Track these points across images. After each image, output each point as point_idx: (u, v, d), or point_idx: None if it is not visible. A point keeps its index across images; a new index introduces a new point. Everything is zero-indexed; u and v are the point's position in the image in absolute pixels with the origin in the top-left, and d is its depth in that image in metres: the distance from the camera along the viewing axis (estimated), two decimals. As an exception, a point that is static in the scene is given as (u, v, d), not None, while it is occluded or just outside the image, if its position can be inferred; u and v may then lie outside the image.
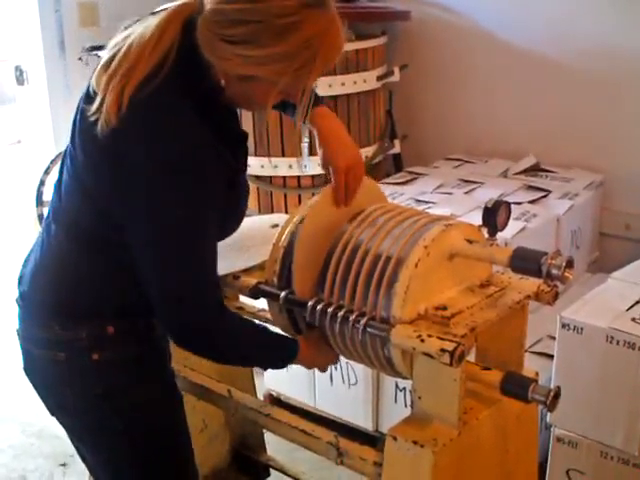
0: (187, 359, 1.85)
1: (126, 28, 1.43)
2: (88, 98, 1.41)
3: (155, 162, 1.34)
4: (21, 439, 2.99)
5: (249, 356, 1.58)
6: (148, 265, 1.40)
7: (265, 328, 1.59)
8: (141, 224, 1.38)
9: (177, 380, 1.73)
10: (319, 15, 1.36)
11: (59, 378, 1.53)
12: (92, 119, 1.36)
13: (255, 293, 1.63)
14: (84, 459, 1.66)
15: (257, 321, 2.07)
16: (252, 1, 1.31)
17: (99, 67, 1.40)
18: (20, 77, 4.21)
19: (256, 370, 2.39)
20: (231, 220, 1.57)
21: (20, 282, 1.57)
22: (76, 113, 1.46)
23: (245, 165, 1.57)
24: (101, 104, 1.35)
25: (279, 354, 1.58)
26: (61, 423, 1.61)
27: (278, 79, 1.36)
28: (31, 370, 1.57)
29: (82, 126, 1.42)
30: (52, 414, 1.60)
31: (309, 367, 1.66)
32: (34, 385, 1.58)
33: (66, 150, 1.50)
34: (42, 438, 2.94)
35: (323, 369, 1.70)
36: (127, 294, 1.50)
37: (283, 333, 1.66)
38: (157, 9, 1.46)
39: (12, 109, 6.30)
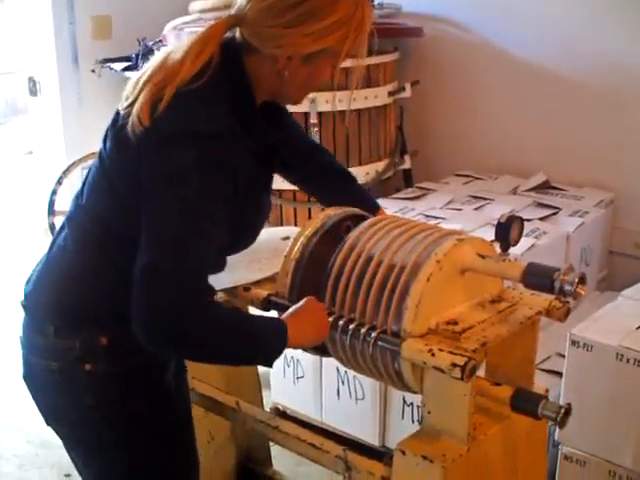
0: (195, 371, 1.85)
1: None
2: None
3: (184, 135, 1.36)
4: (26, 449, 2.98)
5: (232, 347, 1.42)
6: (150, 227, 1.36)
7: (250, 316, 1.50)
8: (157, 192, 1.36)
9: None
10: None
11: (53, 388, 1.53)
12: (122, 122, 1.42)
13: (266, 305, 1.63)
14: (78, 469, 1.65)
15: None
16: None
17: (139, 74, 1.46)
18: (33, 88, 4.25)
19: (263, 383, 2.39)
20: (247, 233, 1.58)
21: (27, 283, 1.58)
22: (110, 123, 1.50)
23: (269, 182, 1.61)
24: (131, 106, 1.40)
25: (267, 342, 1.45)
26: (56, 432, 1.61)
27: (343, 45, 1.45)
28: (29, 379, 1.58)
29: (115, 133, 1.46)
30: (47, 424, 1.60)
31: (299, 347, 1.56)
32: (32, 394, 1.59)
33: (93, 163, 1.54)
34: (47, 448, 2.93)
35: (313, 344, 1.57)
36: (126, 302, 1.41)
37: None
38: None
39: (24, 120, 6.35)
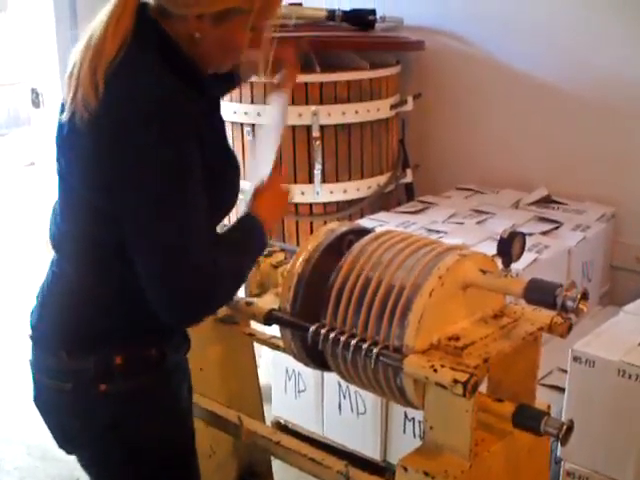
0: (197, 385, 1.85)
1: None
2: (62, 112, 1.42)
3: (133, 118, 1.32)
4: (27, 461, 2.97)
5: (240, 270, 1.51)
6: (135, 234, 1.37)
7: (227, 235, 1.54)
8: (127, 189, 1.34)
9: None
10: None
11: (66, 408, 1.51)
12: (67, 117, 1.38)
13: (268, 320, 1.63)
14: None
15: (268, 348, 2.08)
16: None
17: (66, 75, 1.41)
18: (36, 100, 4.25)
19: (264, 397, 2.38)
20: (228, 191, 1.56)
21: (31, 315, 1.56)
22: (56, 135, 1.46)
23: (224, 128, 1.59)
24: (74, 96, 1.36)
25: (254, 243, 1.55)
26: (69, 453, 1.59)
27: (251, 5, 1.38)
28: (41, 401, 1.56)
29: (62, 133, 1.43)
30: (61, 447, 1.58)
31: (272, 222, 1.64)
32: (43, 416, 1.56)
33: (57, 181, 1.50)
34: (48, 460, 2.93)
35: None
36: (135, 316, 1.46)
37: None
38: None
39: (26, 131, 6.36)
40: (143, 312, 1.41)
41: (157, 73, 1.37)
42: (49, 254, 1.59)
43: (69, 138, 1.41)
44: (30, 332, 1.55)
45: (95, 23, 1.41)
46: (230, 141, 1.70)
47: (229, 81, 1.73)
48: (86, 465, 1.59)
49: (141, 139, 1.32)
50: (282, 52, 1.74)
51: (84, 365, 1.45)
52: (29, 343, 1.55)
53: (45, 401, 1.55)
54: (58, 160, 1.46)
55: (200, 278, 1.36)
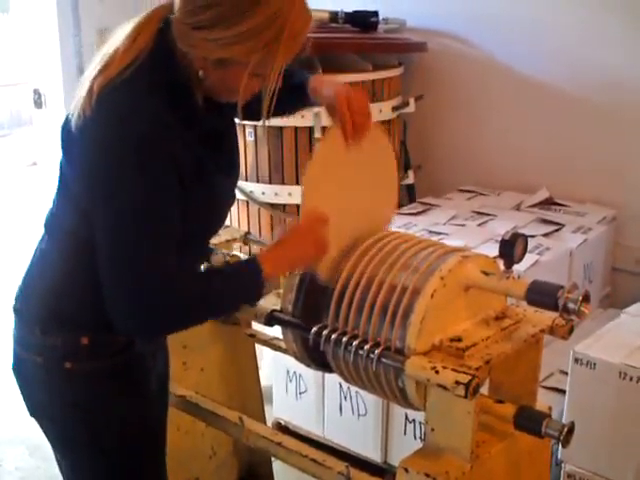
0: (198, 385, 1.85)
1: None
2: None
3: (116, 143, 1.36)
4: (28, 462, 2.97)
5: (220, 303, 1.50)
6: (104, 252, 1.40)
7: (221, 270, 1.59)
8: (99, 207, 1.39)
9: (189, 406, 1.72)
10: None
11: (37, 381, 1.57)
12: (67, 119, 1.43)
13: (270, 321, 1.63)
14: (58, 464, 1.68)
15: (270, 349, 2.09)
16: None
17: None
18: (38, 100, 4.25)
19: (265, 398, 2.38)
20: (212, 217, 1.58)
21: (18, 289, 1.63)
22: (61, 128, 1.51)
23: (221, 164, 1.55)
24: (76, 97, 1.41)
25: (241, 289, 1.51)
26: (39, 425, 1.65)
27: (248, 58, 1.40)
28: (17, 371, 1.62)
29: (63, 135, 1.48)
30: (31, 415, 1.64)
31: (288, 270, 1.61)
32: (18, 385, 1.62)
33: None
34: (49, 461, 2.88)
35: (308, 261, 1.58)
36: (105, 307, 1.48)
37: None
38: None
39: (29, 132, 6.37)
40: None
41: (151, 104, 1.40)
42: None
43: (68, 135, 1.46)
44: (14, 303, 1.61)
45: (119, 33, 1.45)
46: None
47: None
48: (52, 440, 1.64)
49: (120, 165, 1.36)
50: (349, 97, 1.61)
51: (54, 342, 1.52)
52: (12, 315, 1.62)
53: (20, 372, 1.60)
54: (61, 149, 1.51)
55: (156, 296, 1.39)
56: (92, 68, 1.43)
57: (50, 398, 1.57)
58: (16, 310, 1.60)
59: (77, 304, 1.53)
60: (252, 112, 1.51)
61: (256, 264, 1.47)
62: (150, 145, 1.37)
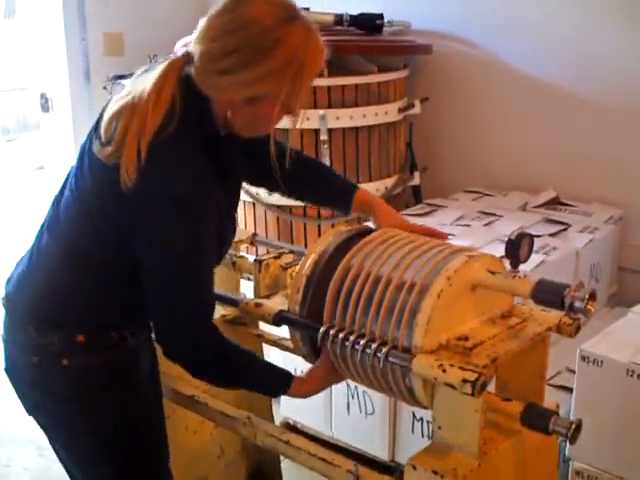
0: (207, 385, 1.86)
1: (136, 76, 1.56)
2: (97, 130, 1.51)
3: (168, 202, 1.44)
4: (38, 462, 2.99)
5: (240, 376, 1.64)
6: (155, 291, 1.51)
7: (255, 355, 1.67)
8: (154, 256, 1.48)
9: (197, 406, 1.73)
10: (295, 27, 1.47)
11: (33, 380, 1.62)
12: (105, 162, 1.46)
13: (278, 321, 1.64)
14: (60, 458, 1.73)
15: (277, 349, 2.10)
16: (232, 33, 1.44)
17: (110, 114, 1.49)
18: (45, 104, 4.28)
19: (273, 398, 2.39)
20: (221, 250, 1.66)
21: (7, 283, 1.66)
22: (86, 141, 1.55)
23: (234, 204, 1.69)
24: (118, 154, 1.44)
25: (270, 382, 1.68)
26: (37, 422, 1.69)
27: (279, 90, 1.47)
28: (11, 372, 1.65)
29: (92, 157, 1.51)
30: (29, 414, 1.68)
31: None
32: (13, 386, 1.66)
33: (71, 170, 1.60)
34: (58, 461, 2.94)
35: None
36: (104, 311, 1.59)
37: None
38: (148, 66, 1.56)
39: (36, 136, 6.39)
40: (110, 307, 1.58)
41: (194, 164, 1.47)
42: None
43: (102, 168, 1.48)
44: (4, 299, 1.65)
45: (138, 85, 1.49)
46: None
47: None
48: (53, 435, 1.69)
49: (167, 220, 1.44)
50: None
51: (49, 340, 1.57)
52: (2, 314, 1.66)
53: (14, 372, 1.65)
54: (80, 163, 1.56)
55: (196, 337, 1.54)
56: (125, 120, 1.45)
57: (48, 395, 1.61)
58: (7, 307, 1.64)
59: (76, 308, 1.58)
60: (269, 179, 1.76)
61: (288, 380, 1.64)
62: (195, 204, 1.45)
